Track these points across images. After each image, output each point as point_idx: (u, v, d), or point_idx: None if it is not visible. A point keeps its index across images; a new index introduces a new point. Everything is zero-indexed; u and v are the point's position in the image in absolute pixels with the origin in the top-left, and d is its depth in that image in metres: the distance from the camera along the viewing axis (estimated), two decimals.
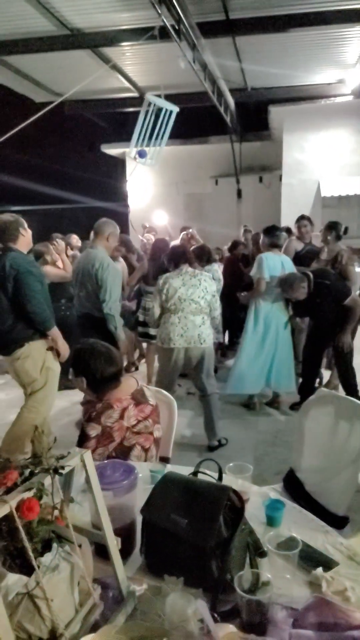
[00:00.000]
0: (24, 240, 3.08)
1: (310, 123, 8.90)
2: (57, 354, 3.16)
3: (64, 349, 3.14)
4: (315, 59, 7.06)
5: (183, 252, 3.72)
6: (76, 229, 7.71)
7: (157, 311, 3.60)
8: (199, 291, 3.51)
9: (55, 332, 3.08)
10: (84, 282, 3.62)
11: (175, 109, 4.93)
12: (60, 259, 4.89)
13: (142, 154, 4.92)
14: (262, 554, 1.21)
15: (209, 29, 5.68)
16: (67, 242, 5.39)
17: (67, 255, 5.03)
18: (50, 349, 3.09)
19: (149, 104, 4.82)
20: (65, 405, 4.76)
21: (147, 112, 4.83)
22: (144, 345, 5.49)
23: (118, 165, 13.45)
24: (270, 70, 7.38)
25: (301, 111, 8.78)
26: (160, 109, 4.92)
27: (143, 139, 4.92)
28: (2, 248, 3.04)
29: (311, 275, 3.92)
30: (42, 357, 3.04)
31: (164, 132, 4.96)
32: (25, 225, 3.09)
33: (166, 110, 4.90)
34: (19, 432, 3.02)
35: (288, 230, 5.59)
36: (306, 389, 4.19)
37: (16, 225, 3.02)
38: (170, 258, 3.73)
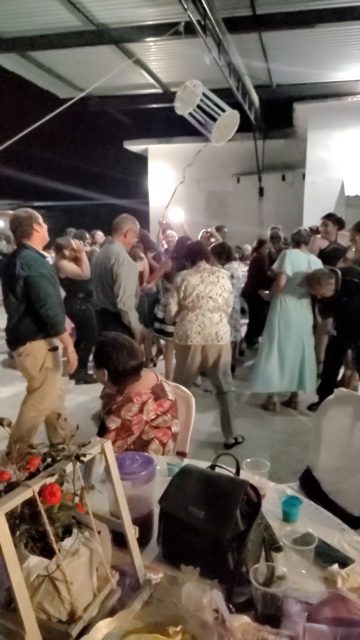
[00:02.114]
0: (39, 237, 3.02)
1: (336, 120, 8.79)
2: (68, 361, 3.15)
3: (73, 357, 3.13)
4: (342, 55, 6.98)
5: (200, 249, 3.70)
6: (97, 225, 7.81)
7: (174, 308, 3.60)
8: (217, 288, 3.51)
9: (65, 337, 3.05)
10: (101, 277, 3.66)
11: (195, 82, 4.87)
12: (80, 258, 4.92)
13: (207, 127, 4.92)
14: (278, 548, 1.22)
15: (235, 25, 5.67)
16: (83, 238, 5.46)
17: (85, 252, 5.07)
18: (54, 349, 3.07)
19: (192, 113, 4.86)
20: (85, 399, 4.83)
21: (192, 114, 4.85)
22: (163, 342, 5.52)
23: (140, 162, 13.50)
24: (296, 67, 7.31)
25: (327, 108, 8.68)
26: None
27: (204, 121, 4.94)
28: (17, 244, 3.03)
29: (339, 273, 3.88)
30: (42, 356, 3.03)
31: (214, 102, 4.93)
32: (40, 220, 3.03)
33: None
34: (22, 430, 3.05)
35: (316, 230, 5.56)
36: (325, 390, 4.16)
37: (29, 221, 2.96)
38: (188, 255, 3.72)
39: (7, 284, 2.96)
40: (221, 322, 3.55)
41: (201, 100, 4.78)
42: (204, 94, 4.76)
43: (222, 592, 1.02)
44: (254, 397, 4.72)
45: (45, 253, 3.31)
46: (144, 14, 5.59)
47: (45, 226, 3.07)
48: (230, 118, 4.95)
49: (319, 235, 5.25)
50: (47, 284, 2.91)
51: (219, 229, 6.57)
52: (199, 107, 4.83)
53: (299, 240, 4.30)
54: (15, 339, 3.02)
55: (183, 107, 4.78)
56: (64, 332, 3.02)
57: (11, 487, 0.93)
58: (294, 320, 4.21)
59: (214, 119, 4.84)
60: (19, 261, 2.87)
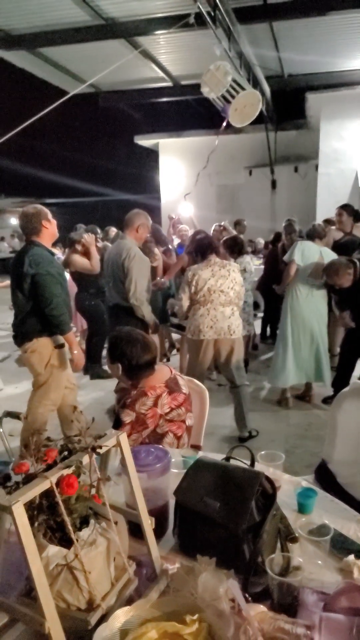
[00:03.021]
0: (48, 233, 3.00)
1: (350, 110, 8.66)
2: (71, 361, 3.14)
3: (78, 357, 3.11)
4: (355, 43, 6.87)
5: (209, 243, 3.69)
6: (109, 221, 7.84)
7: (185, 303, 3.59)
8: (228, 282, 3.50)
9: (70, 337, 3.03)
10: (114, 272, 3.67)
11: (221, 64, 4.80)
12: (90, 252, 4.93)
13: (224, 110, 4.95)
14: (294, 539, 1.22)
15: (246, 14, 5.60)
16: (94, 233, 5.50)
17: (97, 247, 5.10)
18: (61, 346, 3.05)
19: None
20: (99, 394, 4.87)
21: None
22: (176, 336, 5.53)
23: (151, 156, 13.46)
24: (308, 56, 7.21)
25: (340, 98, 8.55)
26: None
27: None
28: (26, 241, 3.02)
29: (358, 263, 3.83)
30: (48, 353, 3.02)
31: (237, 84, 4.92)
32: (49, 216, 3.01)
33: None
34: (32, 428, 3.07)
35: (332, 222, 5.52)
36: (341, 383, 4.12)
37: (38, 217, 2.94)
38: (197, 249, 3.71)
39: (15, 281, 2.96)
40: (233, 316, 3.54)
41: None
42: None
43: (238, 582, 1.02)
44: (268, 391, 4.71)
45: (55, 250, 3.28)
46: (153, 6, 5.56)
47: (54, 222, 3.05)
48: (249, 98, 4.91)
49: (333, 227, 5.21)
50: (54, 283, 2.89)
51: (238, 222, 6.56)
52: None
53: (312, 235, 4.29)
54: (22, 335, 3.03)
55: (215, 90, 4.75)
56: (68, 332, 3.00)
57: (29, 478, 0.95)
58: (306, 312, 4.18)
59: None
60: (28, 258, 2.85)
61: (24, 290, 2.91)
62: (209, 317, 3.49)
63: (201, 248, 3.65)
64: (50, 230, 3.01)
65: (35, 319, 2.96)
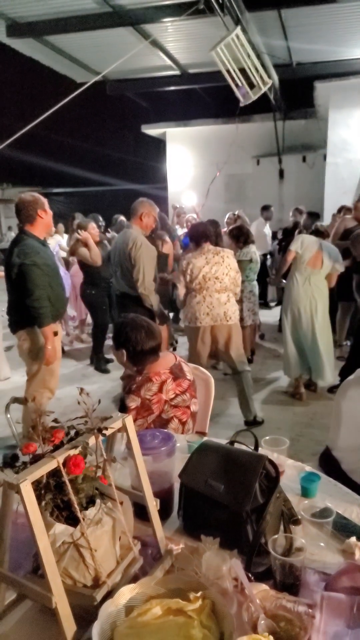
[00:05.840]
0: (42, 223, 2.97)
1: (358, 99, 8.54)
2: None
3: (51, 354, 3.02)
4: None
5: (203, 231, 3.68)
6: (115, 210, 7.82)
7: (182, 292, 3.64)
8: (222, 268, 3.51)
9: (47, 331, 2.96)
10: (120, 261, 3.68)
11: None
12: (88, 245, 4.91)
13: (242, 94, 5.01)
14: (296, 522, 1.23)
15: (255, 2, 5.52)
16: (96, 221, 5.55)
17: (97, 242, 5.08)
18: (54, 334, 3.03)
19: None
20: (105, 383, 4.91)
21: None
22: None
23: (159, 146, 13.37)
24: (317, 45, 7.11)
25: (349, 87, 8.42)
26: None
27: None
28: (19, 230, 3.02)
29: None
30: (40, 342, 3.03)
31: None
32: (46, 206, 2.97)
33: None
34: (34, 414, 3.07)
35: (347, 210, 5.52)
36: (348, 372, 4.09)
37: (34, 206, 2.90)
38: (191, 237, 3.72)
39: (6, 270, 2.99)
40: (229, 302, 3.56)
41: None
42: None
43: (242, 562, 1.04)
44: (274, 380, 4.72)
45: (51, 241, 3.26)
46: None
47: (50, 213, 3.02)
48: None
49: (348, 216, 5.20)
50: (39, 274, 2.86)
51: (265, 207, 6.52)
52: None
53: (315, 233, 4.33)
54: (15, 323, 3.05)
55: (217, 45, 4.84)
56: (46, 326, 2.95)
57: (37, 458, 0.97)
58: (303, 301, 4.13)
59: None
60: (17, 249, 2.86)
61: (12, 280, 2.93)
62: (205, 304, 3.52)
63: (195, 236, 3.66)
64: (45, 220, 2.98)
65: (23, 309, 2.96)
